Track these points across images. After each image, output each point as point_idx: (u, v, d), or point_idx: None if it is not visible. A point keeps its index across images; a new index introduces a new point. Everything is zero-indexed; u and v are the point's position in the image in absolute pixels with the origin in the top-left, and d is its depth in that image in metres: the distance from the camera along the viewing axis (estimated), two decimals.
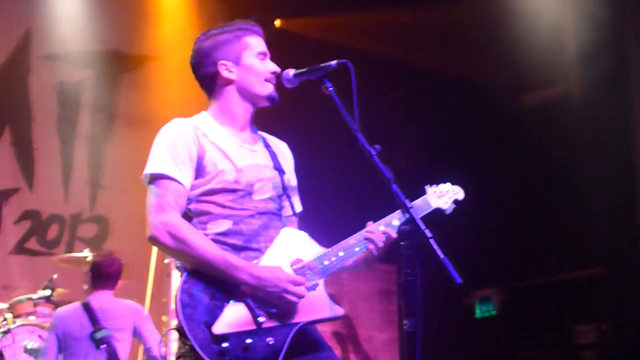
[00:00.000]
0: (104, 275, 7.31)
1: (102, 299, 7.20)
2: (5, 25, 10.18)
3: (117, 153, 10.55)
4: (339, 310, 3.75)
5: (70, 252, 9.36)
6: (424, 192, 4.26)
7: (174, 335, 7.11)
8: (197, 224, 3.69)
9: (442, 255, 3.19)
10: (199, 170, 3.72)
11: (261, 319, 3.52)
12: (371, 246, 3.81)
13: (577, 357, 11.89)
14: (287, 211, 3.99)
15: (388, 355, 11.17)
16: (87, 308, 7.07)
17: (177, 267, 3.68)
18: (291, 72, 3.82)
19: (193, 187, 3.71)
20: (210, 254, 3.52)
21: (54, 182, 10.29)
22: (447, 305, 12.54)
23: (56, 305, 7.79)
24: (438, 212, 4.26)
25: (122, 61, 10.94)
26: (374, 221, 3.90)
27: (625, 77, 10.35)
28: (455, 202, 4.38)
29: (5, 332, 7.18)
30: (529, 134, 11.18)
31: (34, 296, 7.79)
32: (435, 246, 3.24)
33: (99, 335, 6.94)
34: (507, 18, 10.69)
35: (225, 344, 3.41)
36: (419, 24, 11.52)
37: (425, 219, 4.04)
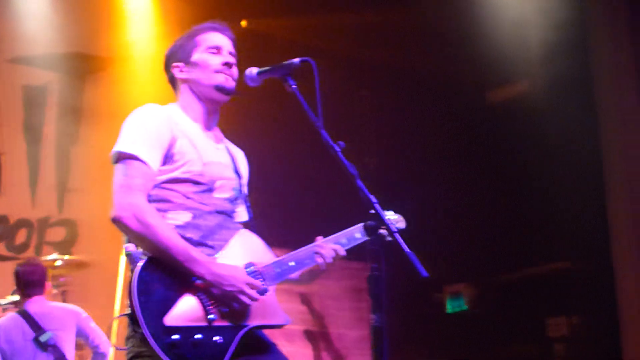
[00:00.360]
0: (29, 282, 7.33)
1: (37, 305, 7.23)
2: None
3: (84, 155, 10.49)
4: (288, 319, 3.81)
5: (39, 256, 9.29)
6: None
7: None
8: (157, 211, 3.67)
9: (407, 249, 3.23)
10: (168, 157, 3.72)
11: (212, 317, 3.52)
12: (320, 260, 3.90)
13: (549, 350, 11.98)
14: (240, 216, 4.02)
15: (359, 353, 11.18)
16: (25, 315, 7.09)
17: (127, 255, 3.60)
18: (254, 70, 3.84)
19: (159, 173, 3.70)
20: (173, 243, 3.51)
21: (21, 186, 10.21)
22: (417, 301, 12.59)
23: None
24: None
25: (87, 63, 10.87)
26: (325, 236, 4.00)
27: (589, 73, 10.44)
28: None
29: None
30: (497, 130, 11.25)
31: (3, 302, 7.72)
32: (400, 240, 3.28)
33: (43, 338, 6.96)
34: (470, 14, 10.74)
35: (175, 336, 3.40)
36: (383, 23, 11.56)
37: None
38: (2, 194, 10.02)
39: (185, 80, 3.95)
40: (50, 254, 8.55)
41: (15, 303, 7.70)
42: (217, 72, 3.90)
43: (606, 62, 10.38)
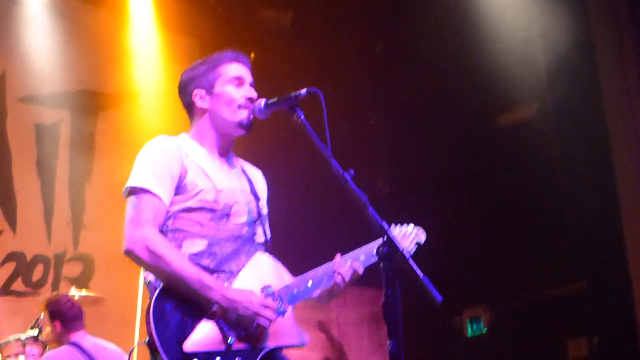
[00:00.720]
0: (73, 315, 7.36)
1: (87, 340, 7.22)
2: None
3: (97, 191, 10.54)
4: (306, 338, 3.82)
5: (56, 291, 9.32)
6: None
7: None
8: (172, 241, 3.70)
9: (421, 275, 3.23)
10: (180, 188, 3.76)
11: (231, 340, 3.53)
12: (339, 279, 3.88)
13: None
14: (259, 238, 4.02)
15: None
16: (79, 348, 7.07)
17: (147, 284, 3.67)
18: (262, 102, 3.86)
19: (172, 204, 3.73)
20: (186, 272, 3.54)
21: (36, 223, 10.25)
22: (436, 325, 12.56)
23: (44, 344, 7.76)
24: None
25: (98, 100, 10.95)
26: (342, 253, 3.97)
27: (598, 91, 10.42)
28: (418, 244, 4.35)
29: None
30: (509, 153, 11.23)
31: (22, 336, 7.75)
32: (415, 266, 3.28)
33: None
34: (476, 37, 10.76)
35: None
36: (389, 50, 11.60)
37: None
38: (18, 231, 10.05)
39: (205, 110, 3.96)
40: (67, 289, 8.56)
41: (34, 338, 7.72)
42: (241, 107, 3.92)
43: (615, 83, 10.36)
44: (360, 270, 3.93)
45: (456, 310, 12.98)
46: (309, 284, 3.87)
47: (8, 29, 10.33)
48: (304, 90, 3.72)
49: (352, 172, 3.54)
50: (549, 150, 10.81)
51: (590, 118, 10.44)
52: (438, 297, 3.19)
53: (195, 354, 3.45)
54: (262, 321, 3.58)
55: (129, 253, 3.60)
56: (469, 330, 13.03)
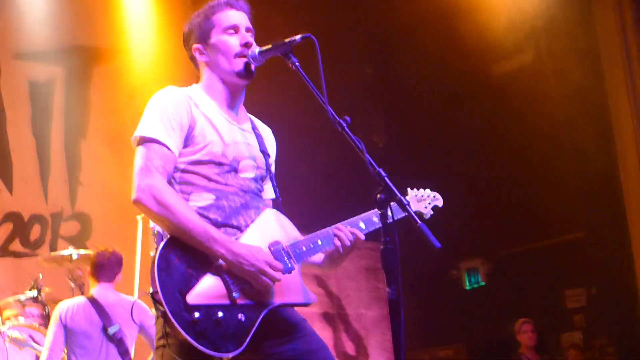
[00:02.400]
0: (101, 265, 7.34)
1: (106, 294, 7.23)
2: None
3: (94, 148, 10.51)
4: (313, 297, 3.79)
5: (55, 251, 9.31)
6: (405, 193, 4.27)
7: None
8: (179, 194, 3.67)
9: (419, 222, 3.21)
10: (188, 139, 3.72)
11: (235, 295, 3.51)
12: (338, 243, 3.87)
13: (568, 321, 11.97)
14: (267, 194, 4.01)
15: (379, 332, 11.20)
16: (95, 303, 7.07)
17: (154, 234, 3.63)
18: (256, 49, 3.82)
19: (180, 155, 3.70)
20: (192, 223, 3.51)
21: (33, 182, 10.22)
22: (434, 278, 12.61)
23: (43, 304, 7.77)
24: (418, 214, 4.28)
25: (91, 56, 10.88)
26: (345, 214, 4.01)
27: (594, 41, 10.39)
28: (434, 208, 4.45)
29: None
30: (506, 103, 11.22)
31: (22, 297, 7.77)
32: (412, 213, 3.27)
33: (111, 330, 6.96)
34: None
35: (197, 314, 3.38)
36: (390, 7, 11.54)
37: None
38: (14, 191, 10.03)
39: (206, 63, 3.93)
40: (65, 248, 8.55)
41: (33, 298, 7.74)
42: (237, 56, 3.86)
43: (611, 26, 10.32)
44: (361, 235, 3.93)
45: (454, 262, 13.04)
46: (319, 242, 3.85)
47: None
48: (298, 37, 3.67)
49: (348, 119, 3.51)
50: (550, 100, 10.81)
51: (588, 66, 10.42)
52: (436, 244, 3.17)
53: (197, 307, 3.41)
54: (266, 279, 3.55)
55: (136, 202, 3.55)
56: (467, 283, 13.10)
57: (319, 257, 3.97)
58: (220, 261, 3.53)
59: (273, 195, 4.03)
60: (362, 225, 4.01)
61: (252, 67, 3.86)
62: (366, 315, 11.22)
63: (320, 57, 3.59)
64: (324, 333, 10.50)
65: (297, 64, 3.66)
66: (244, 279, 3.55)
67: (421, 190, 4.43)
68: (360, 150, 3.42)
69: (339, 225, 3.93)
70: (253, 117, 4.11)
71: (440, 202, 4.46)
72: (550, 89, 10.86)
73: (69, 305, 7.06)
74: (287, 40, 3.69)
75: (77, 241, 9.76)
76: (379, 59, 12.15)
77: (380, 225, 3.63)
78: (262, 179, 3.95)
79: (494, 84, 11.46)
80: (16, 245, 9.99)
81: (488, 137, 11.59)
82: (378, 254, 3.28)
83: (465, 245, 12.19)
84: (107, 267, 7.38)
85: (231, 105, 3.93)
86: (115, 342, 7.00)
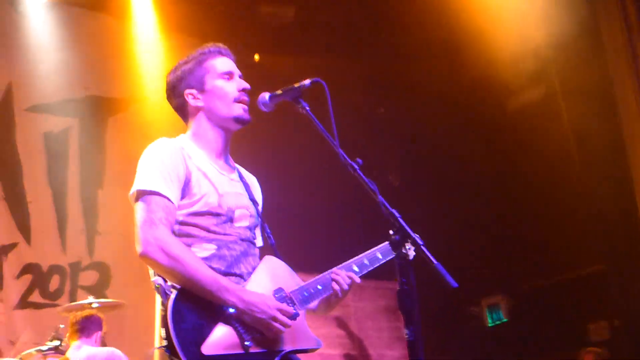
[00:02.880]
0: (77, 325, 7.53)
1: (78, 350, 7.36)
2: None
3: (110, 197, 10.53)
4: (319, 342, 3.82)
5: (74, 301, 9.31)
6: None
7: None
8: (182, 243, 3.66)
9: (435, 261, 3.20)
10: (185, 191, 3.73)
11: (248, 343, 3.51)
12: (337, 287, 3.91)
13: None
14: (258, 242, 4.03)
15: None
16: None
17: (156, 288, 3.61)
18: (267, 95, 3.83)
19: (178, 208, 3.70)
20: (202, 274, 3.51)
21: (50, 233, 10.25)
22: (454, 316, 12.53)
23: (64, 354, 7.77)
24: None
25: (105, 106, 10.94)
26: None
27: (604, 67, 10.37)
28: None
29: None
30: (521, 137, 11.20)
31: (43, 348, 7.76)
32: (428, 252, 3.26)
33: None
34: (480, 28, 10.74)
35: None
36: (393, 41, 11.57)
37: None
38: (32, 242, 10.05)
39: (199, 109, 3.93)
40: (84, 298, 8.55)
41: (55, 348, 7.73)
42: (236, 101, 3.89)
43: (621, 55, 10.31)
44: (357, 279, 3.97)
45: (474, 299, 12.97)
46: (319, 287, 3.89)
47: (12, 39, 10.34)
48: (307, 81, 3.70)
49: (360, 161, 3.52)
50: (561, 132, 10.78)
51: (600, 97, 10.40)
52: (453, 283, 3.16)
53: (213, 357, 3.42)
54: (278, 326, 3.56)
55: (144, 256, 3.54)
56: (489, 320, 13.01)
57: (313, 303, 3.96)
58: (230, 310, 3.52)
59: (261, 243, 4.05)
60: (365, 262, 4.06)
61: (248, 115, 3.90)
62: (387, 355, 11.15)
63: (330, 100, 3.60)
64: None
65: (307, 108, 3.67)
66: (255, 326, 3.55)
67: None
68: (373, 191, 3.42)
69: (335, 270, 3.97)
70: (238, 166, 4.12)
71: (411, 255, 4.40)
72: (563, 122, 10.85)
73: None
74: (296, 85, 3.72)
75: (97, 291, 9.76)
76: (391, 97, 12.16)
77: (385, 260, 3.68)
78: (255, 227, 3.97)
79: (509, 119, 11.45)
80: (36, 296, 9.98)
81: (505, 171, 11.57)
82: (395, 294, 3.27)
83: (486, 282, 12.13)
84: (84, 327, 7.50)
85: (220, 155, 3.95)
86: None
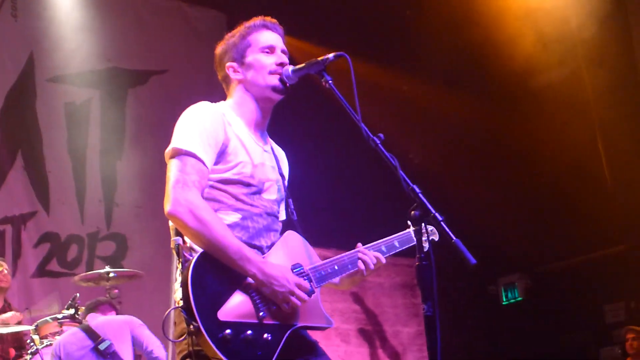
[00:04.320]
0: (93, 308, 7.72)
1: (95, 318, 7.48)
2: (9, 51, 10.19)
3: (129, 169, 10.58)
4: (331, 321, 3.84)
5: (92, 270, 9.38)
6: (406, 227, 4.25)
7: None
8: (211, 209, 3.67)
9: (454, 238, 3.20)
10: (221, 157, 3.72)
11: (262, 314, 3.53)
12: (362, 266, 3.97)
13: (607, 336, 11.86)
14: (282, 216, 4.03)
15: (416, 349, 11.14)
16: (85, 327, 7.23)
17: (175, 248, 3.59)
18: (290, 68, 3.84)
19: (211, 172, 3.70)
20: (227, 241, 3.51)
21: (69, 203, 10.30)
22: (471, 294, 12.54)
23: (81, 323, 7.83)
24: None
25: (126, 78, 10.97)
26: (364, 243, 4.06)
27: (630, 50, 10.32)
28: (432, 241, 4.33)
29: (34, 353, 7.25)
30: (544, 116, 11.16)
31: (59, 316, 7.83)
32: (447, 229, 3.25)
33: (102, 346, 7.06)
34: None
35: (228, 331, 3.40)
36: (418, 15, 11.52)
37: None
38: (51, 211, 10.11)
39: (240, 81, 3.95)
40: (101, 268, 8.60)
41: (71, 317, 7.79)
42: (272, 73, 3.89)
43: None
44: (383, 259, 4.03)
45: (491, 278, 12.98)
46: (335, 267, 3.90)
47: (34, 9, 10.35)
48: (331, 55, 3.69)
49: (381, 136, 3.52)
50: (583, 111, 10.74)
51: (625, 76, 10.35)
52: (471, 260, 3.16)
53: (228, 323, 3.43)
54: (295, 300, 3.58)
55: (172, 215, 3.54)
56: (504, 298, 13.03)
57: (334, 279, 3.99)
58: (249, 280, 3.54)
59: (284, 217, 4.05)
60: (383, 249, 4.10)
61: (287, 83, 3.87)
62: (403, 331, 11.17)
63: (354, 74, 3.60)
64: (360, 349, 10.47)
65: (330, 82, 3.67)
66: (272, 299, 3.57)
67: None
68: (394, 167, 3.42)
69: (362, 249, 4.00)
70: (270, 140, 4.13)
71: (437, 237, 4.35)
72: (588, 100, 10.80)
73: (61, 340, 7.29)
74: (320, 58, 3.71)
75: (113, 261, 9.81)
76: (412, 75, 12.12)
77: (401, 249, 3.70)
78: (281, 200, 3.99)
79: (534, 96, 11.39)
80: (53, 265, 10.06)
81: (527, 151, 11.52)
82: (414, 270, 3.28)
83: (503, 261, 12.13)
84: (97, 307, 7.79)
85: (258, 126, 3.96)
86: (109, 356, 7.08)
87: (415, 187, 3.37)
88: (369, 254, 3.98)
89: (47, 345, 7.38)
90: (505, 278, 12.97)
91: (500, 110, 11.46)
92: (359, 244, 4.04)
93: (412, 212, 3.34)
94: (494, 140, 11.65)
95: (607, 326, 12.00)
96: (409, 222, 4.27)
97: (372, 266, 3.95)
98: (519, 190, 11.68)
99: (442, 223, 3.28)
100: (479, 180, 11.37)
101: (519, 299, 12.87)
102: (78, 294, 7.97)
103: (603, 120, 10.67)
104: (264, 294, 3.56)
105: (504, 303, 13.04)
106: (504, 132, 11.54)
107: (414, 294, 11.10)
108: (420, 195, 3.34)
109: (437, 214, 3.30)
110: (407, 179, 3.38)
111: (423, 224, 3.36)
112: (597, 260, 11.73)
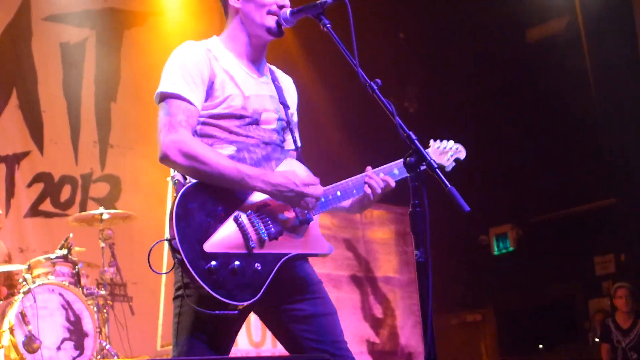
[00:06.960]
0: None
1: None
2: None
3: (123, 111, 10.56)
4: (330, 247, 3.80)
5: (85, 211, 9.38)
6: (427, 146, 4.21)
7: None
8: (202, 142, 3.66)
9: (448, 185, 3.19)
10: (209, 93, 3.72)
11: (252, 244, 3.52)
12: (369, 190, 3.88)
13: (597, 288, 11.95)
14: (289, 145, 4.00)
15: (407, 295, 11.21)
16: None
17: (175, 183, 3.64)
18: (288, 10, 3.81)
19: (202, 109, 3.70)
20: (223, 166, 3.52)
21: (63, 143, 10.28)
22: (462, 243, 12.60)
23: (74, 264, 7.84)
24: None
25: (123, 18, 10.91)
26: (373, 167, 3.95)
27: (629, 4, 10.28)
28: (457, 160, 4.34)
29: (26, 292, 7.22)
30: (538, 68, 11.15)
31: (52, 256, 7.83)
32: (442, 176, 3.25)
33: None
34: None
35: (213, 262, 3.40)
36: None
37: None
38: (45, 151, 10.09)
39: (237, 11, 3.91)
40: (95, 209, 8.60)
41: (64, 257, 7.80)
42: (270, 13, 3.86)
43: None
44: (392, 183, 3.91)
45: (483, 228, 13.03)
46: (338, 193, 3.85)
47: None
48: None
49: (379, 82, 3.50)
50: (579, 64, 10.72)
51: (621, 31, 10.31)
52: (465, 207, 3.15)
53: (214, 255, 3.42)
54: (309, 198, 3.60)
55: (164, 159, 3.56)
56: (495, 248, 13.10)
57: (346, 202, 3.94)
58: (238, 213, 3.54)
59: (293, 146, 4.03)
60: (395, 171, 3.98)
61: (282, 26, 3.85)
62: (394, 278, 11.22)
63: (352, 18, 3.57)
64: (352, 296, 10.52)
65: (328, 25, 3.64)
66: (290, 203, 3.59)
67: (444, 142, 4.33)
68: (390, 112, 3.41)
69: (370, 173, 3.92)
70: (274, 68, 4.10)
71: (462, 155, 4.35)
72: (583, 52, 10.78)
73: None
74: (318, 1, 3.67)
75: (107, 202, 9.81)
76: (412, 24, 12.07)
77: (401, 177, 3.65)
78: (283, 130, 3.95)
79: (528, 48, 11.37)
80: (47, 205, 10.06)
81: (520, 103, 11.52)
82: (407, 219, 3.27)
83: (495, 211, 12.17)
84: None
85: (251, 58, 3.92)
86: None
87: (411, 133, 3.36)
88: (376, 177, 3.89)
89: (39, 285, 7.39)
90: (497, 228, 13.03)
91: (496, 62, 11.46)
92: (369, 167, 3.95)
93: (407, 159, 3.33)
94: (489, 93, 11.66)
95: (596, 278, 12.08)
96: (430, 142, 4.30)
97: (379, 190, 3.86)
98: (512, 142, 11.68)
99: (436, 170, 3.27)
100: (472, 131, 11.37)
101: (511, 249, 12.93)
102: (71, 234, 7.98)
103: (598, 72, 10.66)
104: (268, 210, 3.59)
105: (495, 253, 13.11)
106: (498, 85, 11.56)
107: (406, 242, 11.12)
108: (416, 141, 3.33)
109: (432, 161, 3.29)
110: (403, 125, 3.37)
111: (425, 167, 3.33)
112: (588, 212, 11.78)
